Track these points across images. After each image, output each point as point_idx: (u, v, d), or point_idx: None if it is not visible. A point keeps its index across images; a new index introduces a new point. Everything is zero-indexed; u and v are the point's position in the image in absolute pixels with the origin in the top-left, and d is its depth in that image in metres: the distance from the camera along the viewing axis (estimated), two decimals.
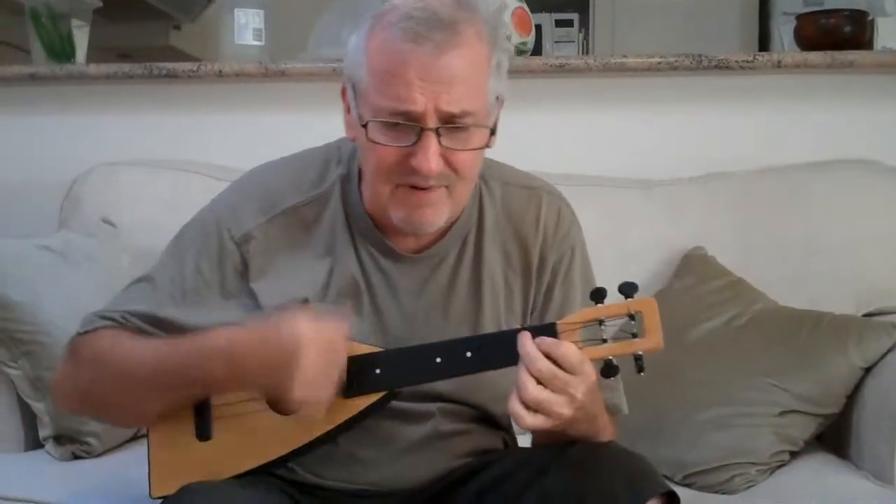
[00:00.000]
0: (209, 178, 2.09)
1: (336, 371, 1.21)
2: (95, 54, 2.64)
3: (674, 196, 2.12)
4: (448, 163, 1.23)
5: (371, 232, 1.35)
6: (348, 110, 1.31)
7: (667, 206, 2.11)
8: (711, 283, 1.95)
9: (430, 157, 1.20)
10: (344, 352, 1.22)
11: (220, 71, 2.38)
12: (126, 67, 2.43)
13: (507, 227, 1.39)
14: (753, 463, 1.70)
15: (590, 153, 2.31)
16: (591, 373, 1.17)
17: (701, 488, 1.70)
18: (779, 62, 2.26)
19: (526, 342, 1.16)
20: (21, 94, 2.49)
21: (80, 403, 1.38)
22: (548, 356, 1.15)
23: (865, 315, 1.95)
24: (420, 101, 1.19)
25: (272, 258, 1.34)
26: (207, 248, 1.35)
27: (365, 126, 1.23)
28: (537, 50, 2.65)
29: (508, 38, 1.45)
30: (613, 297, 1.20)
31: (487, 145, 1.28)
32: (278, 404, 1.25)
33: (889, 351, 1.77)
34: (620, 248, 2.01)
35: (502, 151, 1.55)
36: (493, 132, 1.28)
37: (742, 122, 2.30)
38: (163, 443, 1.33)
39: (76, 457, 1.80)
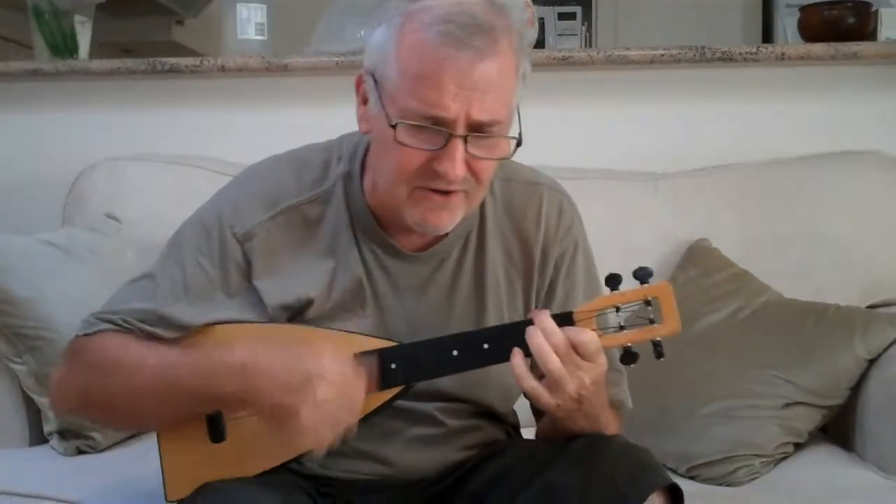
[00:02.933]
0: (213, 173, 2.09)
1: (347, 418, 1.19)
2: (98, 50, 2.64)
3: (678, 189, 2.12)
4: (470, 169, 1.21)
5: (374, 230, 1.34)
6: (363, 102, 1.27)
7: (671, 199, 2.11)
8: (716, 276, 1.95)
9: (457, 163, 1.19)
10: (359, 404, 1.20)
11: (222, 66, 2.38)
12: (129, 63, 2.43)
13: (509, 223, 1.38)
14: (758, 455, 1.70)
15: (593, 146, 2.30)
16: (603, 363, 1.20)
17: (705, 480, 1.70)
18: (782, 54, 2.25)
19: (544, 318, 1.18)
20: (24, 91, 2.49)
21: (81, 407, 1.36)
22: (569, 341, 1.18)
23: (870, 307, 1.95)
24: (453, 109, 1.17)
25: (275, 256, 1.33)
26: (209, 244, 1.33)
27: (394, 126, 1.20)
28: (540, 43, 2.65)
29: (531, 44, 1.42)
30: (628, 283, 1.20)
31: (511, 154, 1.25)
32: (279, 430, 1.21)
33: (893, 342, 1.77)
34: (625, 240, 2.00)
35: None
36: (519, 143, 1.24)
37: (746, 115, 2.30)
38: (175, 447, 1.31)
39: (81, 452, 1.81)
